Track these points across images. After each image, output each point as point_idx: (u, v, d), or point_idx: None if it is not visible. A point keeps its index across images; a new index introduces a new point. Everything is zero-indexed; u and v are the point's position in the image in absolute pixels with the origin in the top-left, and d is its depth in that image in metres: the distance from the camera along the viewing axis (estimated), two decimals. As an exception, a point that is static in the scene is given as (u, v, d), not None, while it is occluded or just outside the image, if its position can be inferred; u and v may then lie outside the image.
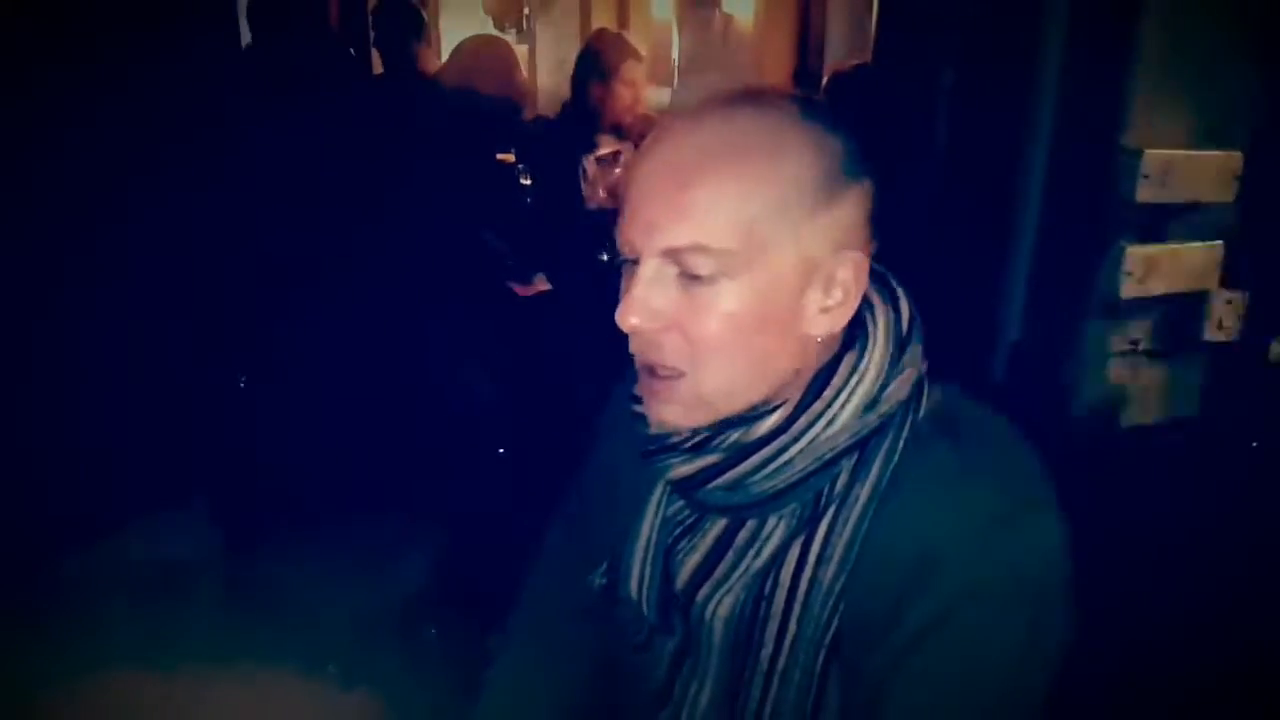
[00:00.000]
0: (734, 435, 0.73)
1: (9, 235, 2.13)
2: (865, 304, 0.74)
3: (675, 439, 0.75)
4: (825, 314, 0.71)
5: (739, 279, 0.67)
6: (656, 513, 0.82)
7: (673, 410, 0.72)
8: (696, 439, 0.74)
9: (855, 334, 0.74)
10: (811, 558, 0.71)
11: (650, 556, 0.81)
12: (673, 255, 0.68)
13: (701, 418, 0.72)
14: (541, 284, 2.64)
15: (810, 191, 0.68)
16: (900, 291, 0.77)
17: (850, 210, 0.70)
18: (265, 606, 2.07)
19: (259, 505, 2.41)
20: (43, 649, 1.77)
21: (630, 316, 0.69)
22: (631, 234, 0.70)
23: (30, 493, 2.14)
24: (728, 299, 0.67)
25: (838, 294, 0.70)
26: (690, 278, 0.68)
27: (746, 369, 0.70)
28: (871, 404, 0.72)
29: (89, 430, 2.27)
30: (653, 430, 0.76)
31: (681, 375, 0.70)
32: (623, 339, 0.73)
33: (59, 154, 2.14)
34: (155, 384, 2.34)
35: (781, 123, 0.69)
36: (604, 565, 0.86)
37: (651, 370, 0.72)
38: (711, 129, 0.69)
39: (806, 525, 0.72)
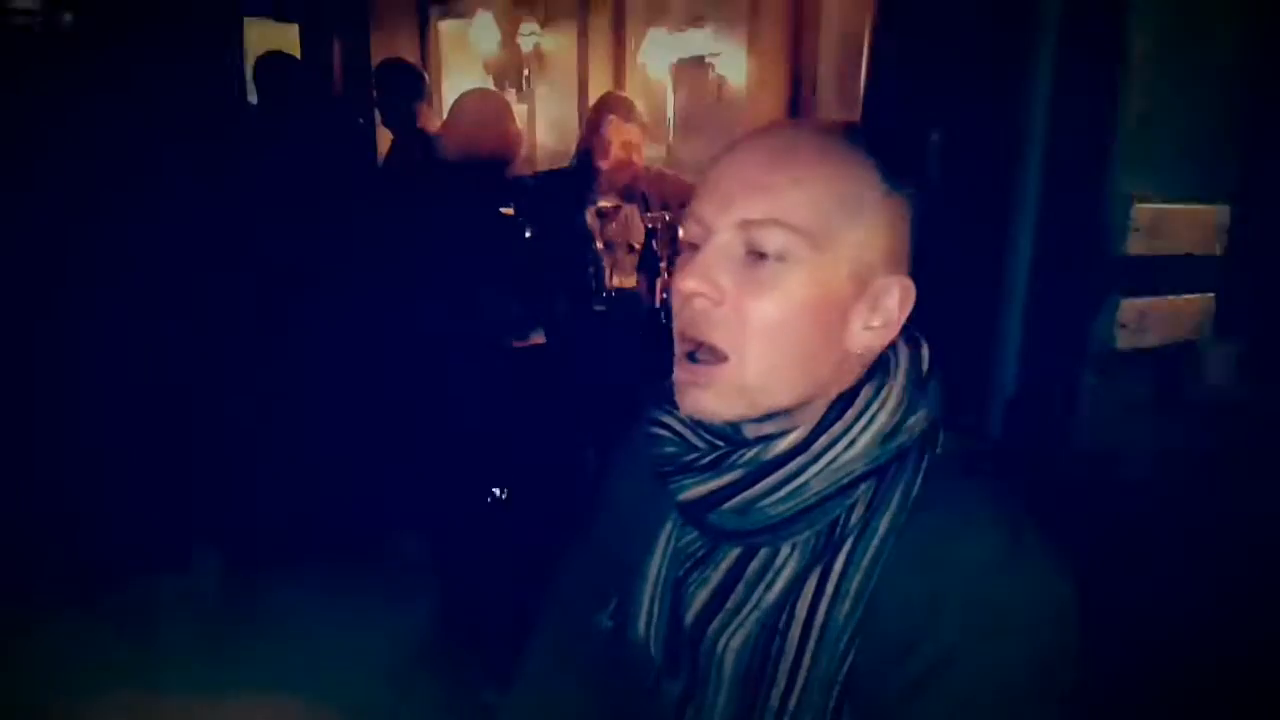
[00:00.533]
0: (751, 453, 0.73)
1: (24, 286, 2.15)
2: (889, 345, 0.76)
3: (691, 456, 0.75)
4: (868, 332, 0.73)
5: (801, 267, 0.70)
6: (667, 546, 0.81)
7: (709, 397, 0.72)
8: (713, 455, 0.74)
9: (875, 370, 0.76)
10: (829, 591, 0.71)
11: (659, 592, 0.80)
12: (746, 228, 0.70)
13: (737, 407, 0.72)
14: (537, 338, 2.66)
15: (867, 197, 0.71)
16: (920, 338, 0.79)
17: (895, 226, 0.73)
18: (266, 651, 2.05)
19: (262, 555, 2.39)
20: (44, 694, 1.75)
21: (690, 279, 0.71)
22: (705, 210, 0.73)
23: (34, 534, 2.13)
24: (787, 282, 0.70)
25: (881, 317, 0.73)
26: (757, 256, 0.70)
27: (789, 362, 0.71)
28: (891, 433, 0.73)
29: (93, 486, 2.26)
30: (686, 411, 0.75)
31: (724, 360, 0.71)
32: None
33: (61, 227, 2.18)
34: (165, 437, 2.34)
35: (837, 136, 0.74)
36: (612, 605, 0.85)
37: (693, 355, 0.72)
38: (783, 135, 0.74)
39: (823, 556, 0.72)
